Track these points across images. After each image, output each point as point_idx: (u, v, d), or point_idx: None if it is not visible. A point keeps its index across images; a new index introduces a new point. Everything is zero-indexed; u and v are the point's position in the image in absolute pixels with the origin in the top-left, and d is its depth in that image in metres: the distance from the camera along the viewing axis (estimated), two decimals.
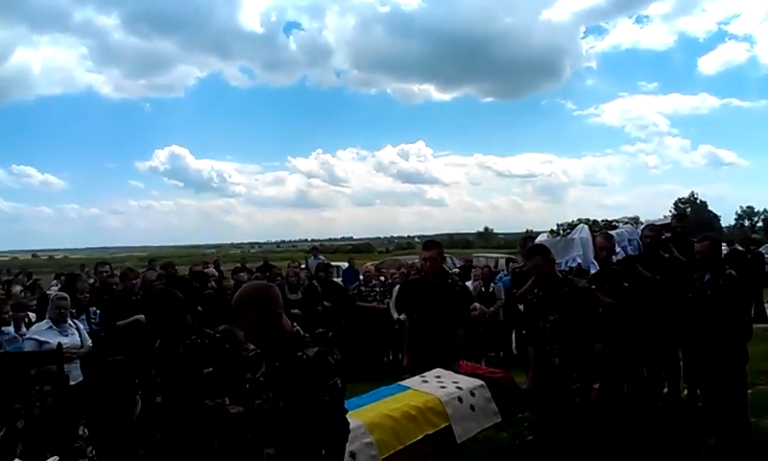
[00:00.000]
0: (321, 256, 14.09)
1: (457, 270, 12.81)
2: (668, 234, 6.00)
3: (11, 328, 5.51)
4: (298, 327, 2.74)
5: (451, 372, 4.41)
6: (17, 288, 8.73)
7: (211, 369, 3.31)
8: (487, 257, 19.81)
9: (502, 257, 18.37)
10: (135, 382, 3.80)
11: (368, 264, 11.53)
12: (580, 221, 6.05)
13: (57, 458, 1.66)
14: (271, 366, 2.63)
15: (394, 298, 8.92)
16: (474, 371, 4.48)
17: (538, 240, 5.78)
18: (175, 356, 3.37)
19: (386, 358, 9.41)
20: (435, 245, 5.01)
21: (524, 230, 29.65)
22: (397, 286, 8.99)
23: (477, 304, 8.52)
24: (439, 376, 4.33)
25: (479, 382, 4.22)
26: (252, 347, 2.98)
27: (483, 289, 9.48)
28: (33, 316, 6.39)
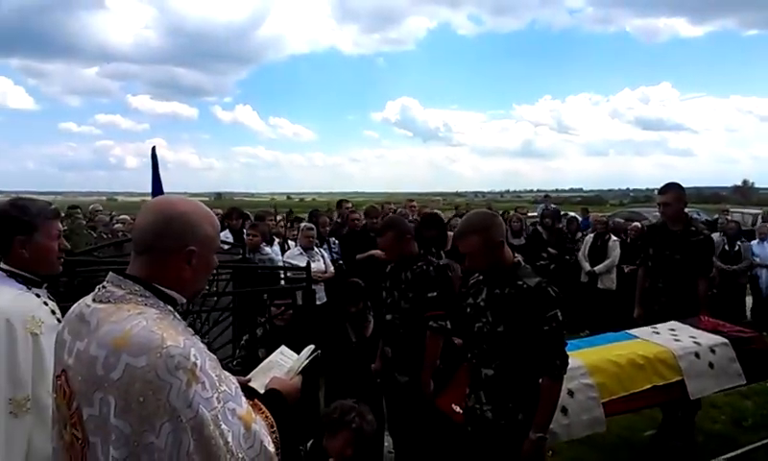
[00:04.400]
0: (551, 204, 13.63)
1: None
2: None
3: (270, 250, 6.43)
4: (519, 258, 2.77)
5: (689, 326, 4.07)
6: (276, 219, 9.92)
7: (435, 294, 3.51)
8: (743, 213, 17.14)
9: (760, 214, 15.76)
10: (368, 304, 4.19)
11: (598, 215, 10.92)
12: None
13: (312, 346, 1.90)
14: (491, 293, 2.71)
15: (585, 248, 8.47)
16: (717, 328, 4.06)
17: None
18: (403, 280, 3.64)
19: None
20: (673, 187, 4.52)
21: None
22: (589, 236, 8.60)
23: None
24: (673, 329, 4.04)
25: (722, 340, 3.85)
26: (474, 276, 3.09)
27: (726, 247, 8.39)
28: (291, 243, 7.33)
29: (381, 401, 3.92)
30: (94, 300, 1.41)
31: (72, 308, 1.47)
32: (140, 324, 1.30)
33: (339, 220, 8.40)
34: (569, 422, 3.12)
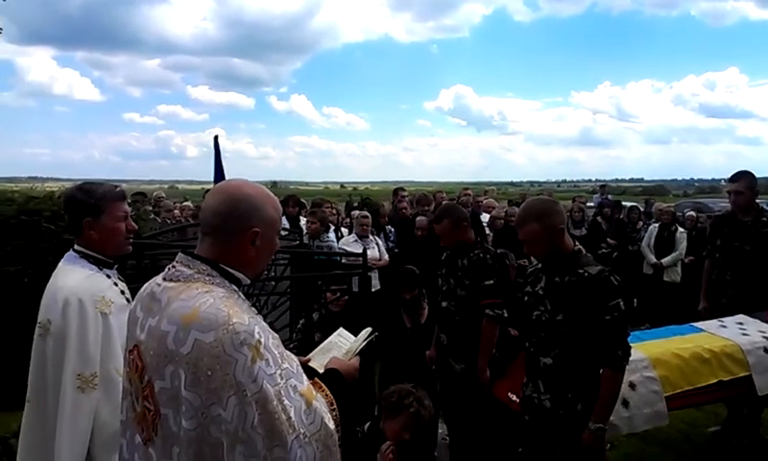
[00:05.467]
0: (608, 195, 13.29)
1: None
2: None
3: (330, 237, 6.53)
4: (580, 246, 2.72)
5: (758, 320, 3.90)
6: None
7: (492, 282, 3.48)
8: None
9: None
10: (423, 291, 4.20)
11: (663, 205, 10.56)
12: None
13: (370, 329, 1.93)
14: (551, 281, 2.67)
15: (650, 239, 8.17)
16: None
17: None
18: (459, 268, 3.63)
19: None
20: (745, 175, 4.32)
21: None
22: (653, 226, 8.27)
23: None
24: (741, 323, 3.88)
25: None
26: (532, 263, 3.05)
27: None
28: (345, 231, 7.42)
29: (435, 388, 3.93)
30: (165, 278, 1.47)
31: (144, 287, 1.54)
32: (208, 301, 1.35)
33: (394, 209, 8.42)
34: (630, 414, 3.05)
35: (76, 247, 2.21)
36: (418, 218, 6.71)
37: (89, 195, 2.18)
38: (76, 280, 2.11)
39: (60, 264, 2.20)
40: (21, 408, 2.22)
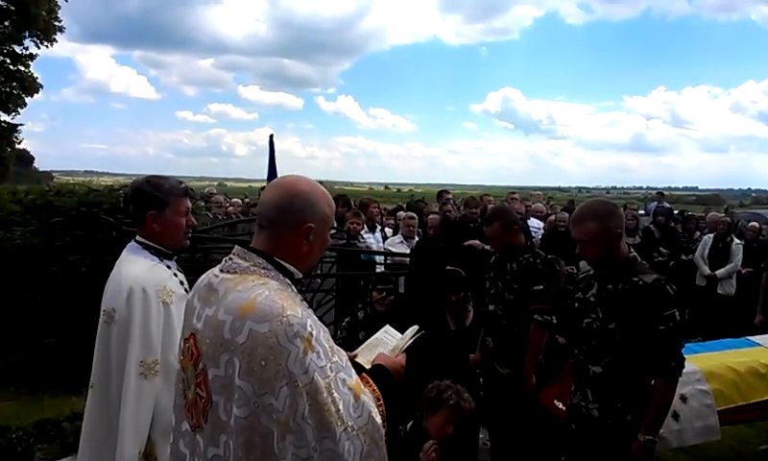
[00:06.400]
0: (665, 203, 12.89)
1: None
2: None
3: (370, 236, 6.57)
4: (635, 254, 2.65)
5: None
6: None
7: (542, 287, 3.43)
8: None
9: None
10: (469, 293, 4.18)
11: (718, 215, 10.20)
12: None
13: (417, 326, 1.94)
14: (603, 288, 2.62)
15: (704, 249, 7.95)
16: None
17: None
18: (508, 271, 3.60)
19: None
20: None
21: None
22: (707, 236, 8.08)
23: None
24: None
25: None
26: (582, 270, 3.00)
27: None
28: (389, 231, 7.44)
29: (479, 392, 3.91)
30: (222, 270, 1.51)
31: (201, 278, 1.58)
32: (264, 293, 1.38)
33: (440, 211, 8.39)
34: (680, 428, 2.98)
35: (138, 238, 2.28)
36: (430, 216, 6.68)
37: (157, 188, 2.25)
38: (140, 270, 2.18)
39: (123, 254, 2.28)
40: (76, 393, 2.30)
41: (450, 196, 9.01)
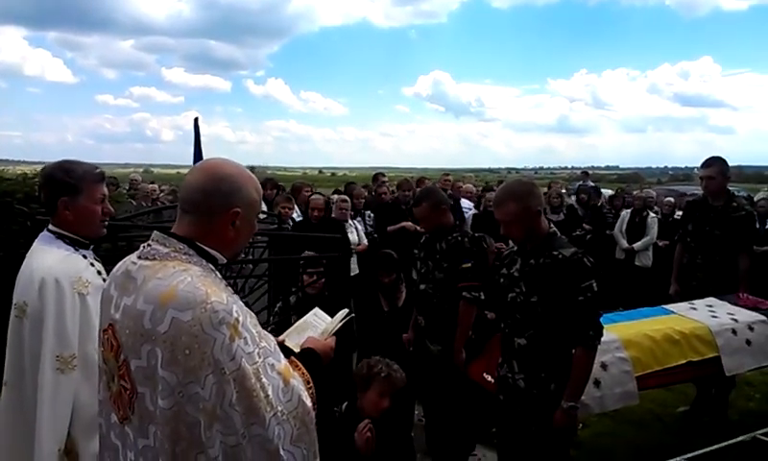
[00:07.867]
0: (589, 182, 13.41)
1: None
2: None
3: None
4: (555, 229, 2.76)
5: (727, 303, 4.01)
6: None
7: (470, 265, 3.52)
8: None
9: None
10: (401, 274, 4.23)
11: (636, 192, 10.73)
12: None
13: (347, 310, 1.94)
14: (526, 263, 2.71)
15: (622, 224, 8.40)
16: (756, 305, 3.98)
17: None
18: (438, 251, 3.66)
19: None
20: (717, 161, 4.41)
21: None
22: (625, 212, 8.56)
23: None
24: (711, 306, 3.99)
25: (761, 317, 3.80)
26: (506, 247, 3.09)
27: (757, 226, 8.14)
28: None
29: (412, 371, 3.97)
30: (140, 257, 1.45)
31: (117, 266, 1.52)
32: (186, 280, 1.34)
33: (374, 194, 8.42)
34: (602, 394, 3.11)
35: (51, 227, 2.17)
36: (312, 197, 6.76)
37: (68, 174, 2.14)
38: (52, 261, 2.07)
39: (34, 244, 2.16)
40: None
41: (386, 179, 9.04)
